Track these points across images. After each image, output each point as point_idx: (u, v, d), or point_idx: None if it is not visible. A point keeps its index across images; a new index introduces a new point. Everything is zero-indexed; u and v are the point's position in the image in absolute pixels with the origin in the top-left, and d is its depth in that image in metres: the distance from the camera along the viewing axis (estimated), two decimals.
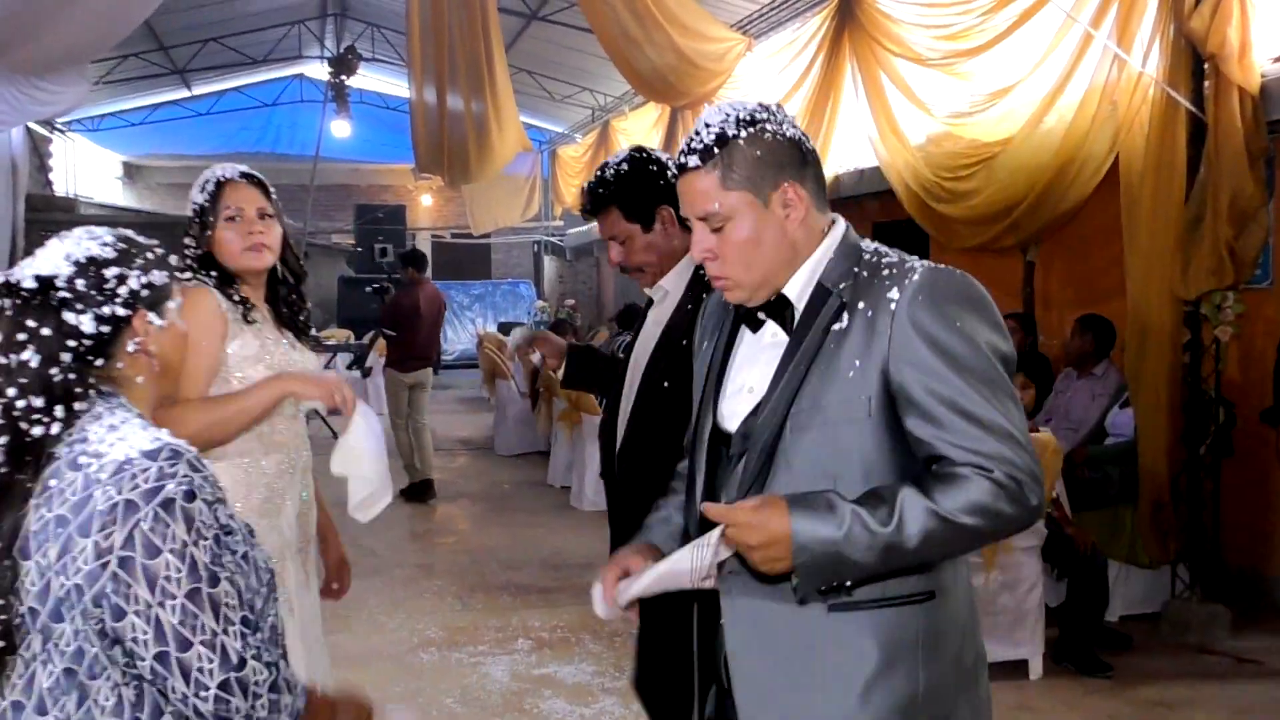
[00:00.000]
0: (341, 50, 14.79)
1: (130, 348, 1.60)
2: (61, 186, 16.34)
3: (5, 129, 12.76)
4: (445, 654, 5.20)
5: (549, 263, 21.40)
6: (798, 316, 1.85)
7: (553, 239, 20.79)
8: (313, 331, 2.84)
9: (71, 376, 1.54)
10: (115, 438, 1.51)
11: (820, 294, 1.83)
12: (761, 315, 1.90)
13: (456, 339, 20.36)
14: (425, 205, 21.52)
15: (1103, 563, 5.12)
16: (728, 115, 1.81)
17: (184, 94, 17.63)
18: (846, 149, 9.04)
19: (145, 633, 1.45)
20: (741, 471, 1.85)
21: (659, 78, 9.36)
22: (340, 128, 16.02)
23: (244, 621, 1.51)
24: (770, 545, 1.68)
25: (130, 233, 1.67)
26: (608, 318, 15.73)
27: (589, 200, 2.86)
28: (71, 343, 1.54)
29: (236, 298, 2.61)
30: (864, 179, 8.86)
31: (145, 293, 1.60)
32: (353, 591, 6.10)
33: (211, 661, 1.47)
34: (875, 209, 8.99)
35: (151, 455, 1.49)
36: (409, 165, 13.88)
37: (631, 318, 9.44)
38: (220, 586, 1.49)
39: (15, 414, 1.51)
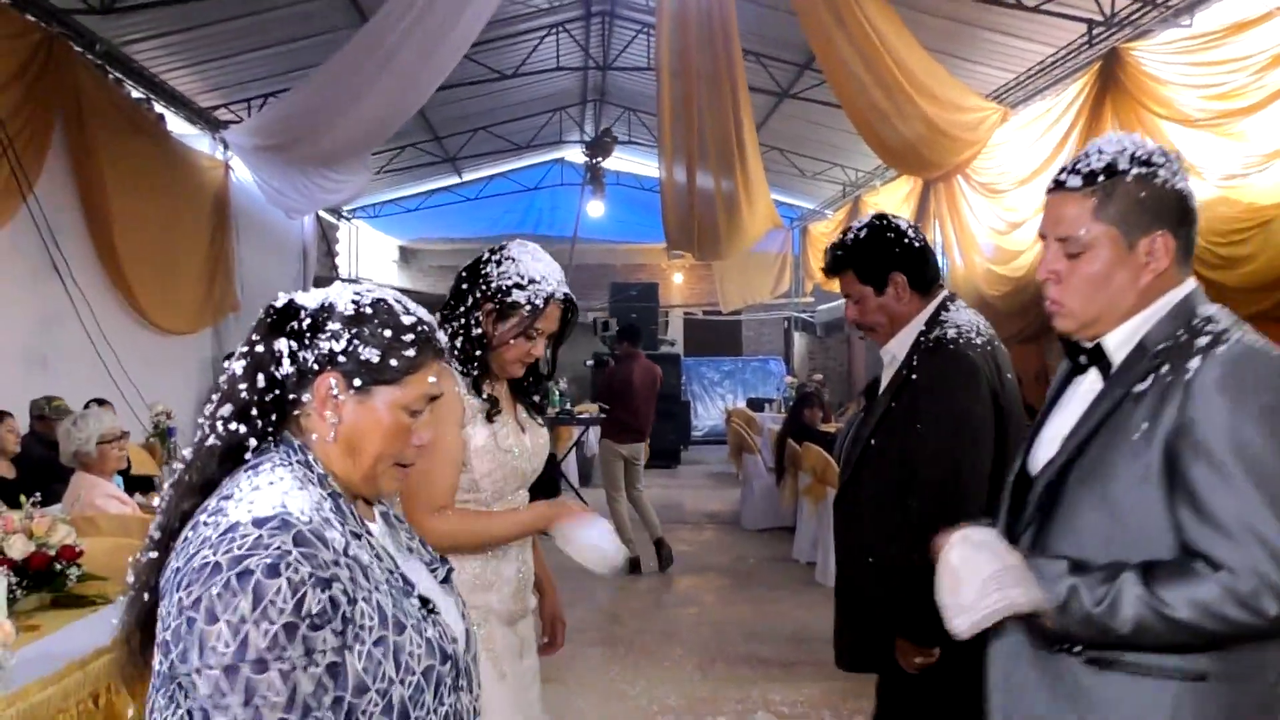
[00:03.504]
0: (598, 133, 15.41)
1: (306, 399, 1.54)
2: (345, 269, 17.65)
3: (299, 216, 13.99)
4: None
5: (799, 339, 21.37)
6: (1114, 370, 1.83)
7: (803, 315, 20.78)
8: (559, 407, 2.80)
9: (255, 399, 1.52)
10: (249, 498, 1.44)
11: (1138, 353, 1.79)
12: (1083, 360, 1.90)
13: (707, 415, 20.54)
14: (677, 284, 21.95)
15: None
16: (1124, 148, 1.79)
17: (454, 180, 18.77)
18: None
19: (190, 695, 1.38)
20: (1029, 515, 1.86)
21: (909, 149, 9.29)
22: (595, 208, 16.63)
23: None
24: None
25: (400, 304, 1.59)
26: (856, 393, 15.55)
27: (829, 261, 3.03)
28: (271, 369, 1.52)
29: (486, 394, 2.54)
30: None
31: (343, 359, 1.52)
32: (596, 658, 6.27)
33: None
34: None
35: (259, 523, 1.40)
36: (662, 245, 14.29)
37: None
38: (265, 675, 1.34)
39: (213, 416, 1.53)
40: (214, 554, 1.37)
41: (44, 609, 3.18)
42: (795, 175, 16.21)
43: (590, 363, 12.45)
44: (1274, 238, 6.06)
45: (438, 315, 2.51)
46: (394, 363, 1.53)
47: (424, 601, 1.55)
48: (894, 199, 13.61)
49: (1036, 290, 8.06)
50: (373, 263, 19.52)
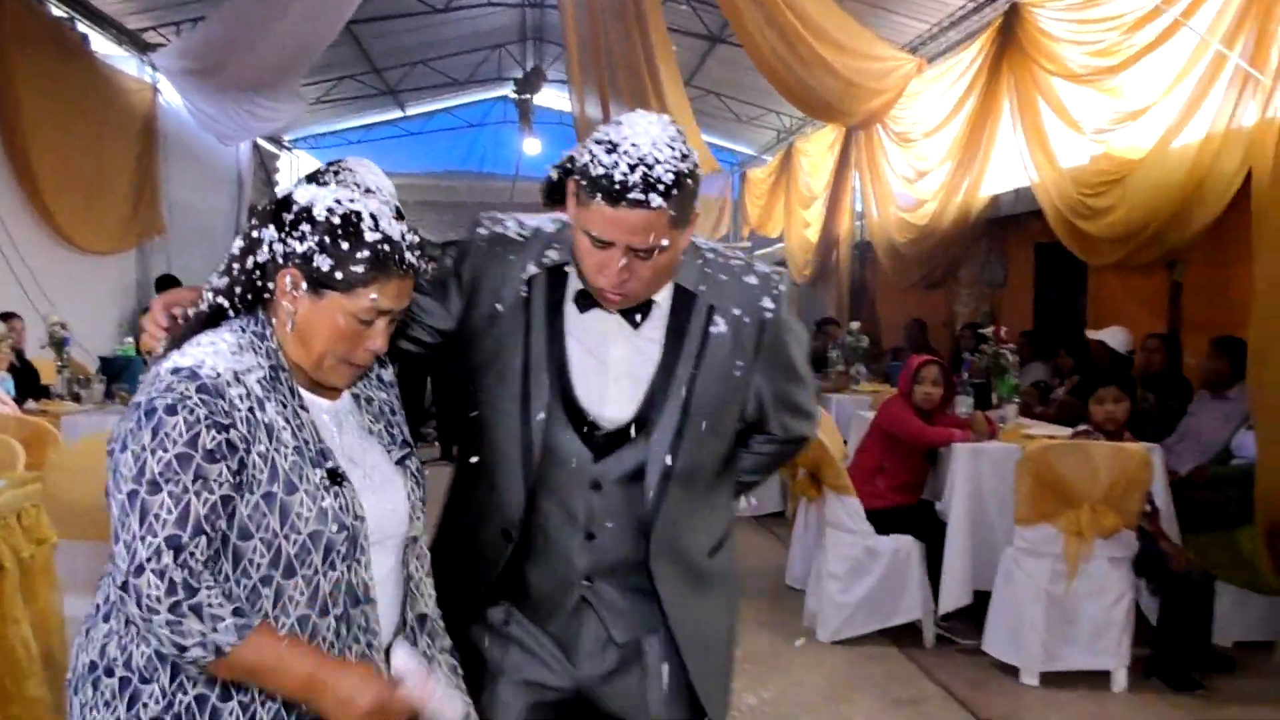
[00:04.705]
0: (529, 71, 15.48)
1: (273, 287, 1.68)
2: None
3: (232, 143, 13.97)
4: None
5: None
6: (665, 314, 1.95)
7: None
8: None
9: (241, 278, 1.69)
10: (184, 352, 1.63)
11: (682, 295, 1.95)
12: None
13: None
14: None
15: (1205, 582, 4.99)
16: (675, 149, 1.77)
17: (398, 114, 18.74)
18: (1005, 169, 9.00)
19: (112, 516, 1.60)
20: (641, 456, 1.95)
21: (819, 99, 9.49)
22: (531, 145, 16.71)
23: (168, 540, 1.53)
24: None
25: (371, 220, 1.67)
26: None
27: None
28: (256, 254, 1.68)
29: None
30: (1019, 198, 8.81)
31: (299, 261, 1.65)
32: None
33: (123, 560, 1.54)
34: (1036, 229, 8.89)
35: (174, 371, 1.59)
36: None
37: None
38: (158, 496, 1.54)
39: (212, 287, 1.72)
40: (139, 396, 1.60)
41: None
42: (732, 120, 16.33)
43: None
44: (1129, 191, 6.38)
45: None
46: (340, 275, 1.64)
47: (333, 475, 1.67)
48: (821, 146, 13.85)
49: (941, 237, 8.46)
50: None
